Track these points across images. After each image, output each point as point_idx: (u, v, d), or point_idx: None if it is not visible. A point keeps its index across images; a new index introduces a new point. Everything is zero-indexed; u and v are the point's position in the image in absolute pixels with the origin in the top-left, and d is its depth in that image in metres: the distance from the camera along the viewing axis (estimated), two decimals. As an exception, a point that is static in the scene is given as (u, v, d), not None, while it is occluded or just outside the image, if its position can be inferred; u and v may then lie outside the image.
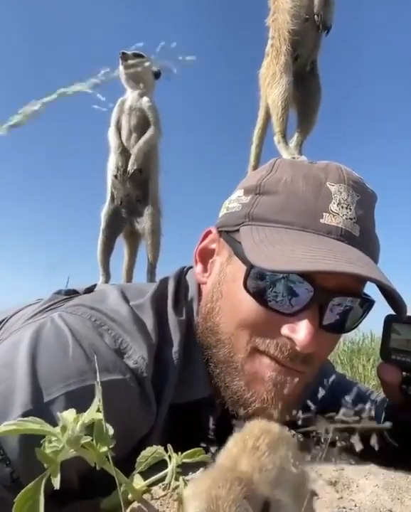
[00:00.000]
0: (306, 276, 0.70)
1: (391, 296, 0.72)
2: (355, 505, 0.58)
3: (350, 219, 0.74)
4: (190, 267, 0.91)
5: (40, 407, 0.58)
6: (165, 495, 0.54)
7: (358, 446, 0.43)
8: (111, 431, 0.47)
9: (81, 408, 0.48)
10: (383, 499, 0.60)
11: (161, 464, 0.53)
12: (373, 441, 0.44)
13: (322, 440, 0.47)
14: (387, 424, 0.48)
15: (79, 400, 0.58)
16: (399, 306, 0.73)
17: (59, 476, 0.43)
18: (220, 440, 0.50)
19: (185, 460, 0.53)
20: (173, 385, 0.74)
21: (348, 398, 0.54)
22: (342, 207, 0.74)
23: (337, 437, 0.47)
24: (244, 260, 0.74)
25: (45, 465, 0.44)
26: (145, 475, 0.53)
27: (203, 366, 0.78)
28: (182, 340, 0.77)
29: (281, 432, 0.46)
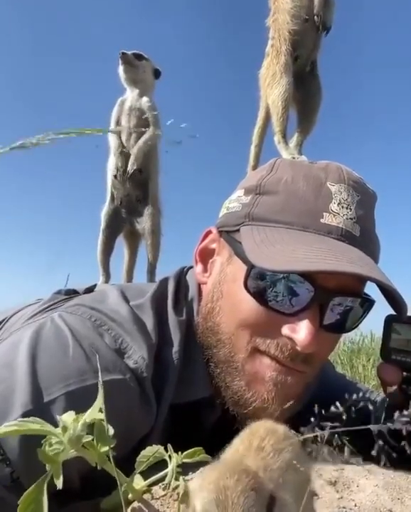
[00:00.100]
0: (307, 276, 0.70)
1: (391, 296, 0.72)
2: (355, 505, 0.58)
3: (351, 219, 0.74)
4: (190, 267, 0.91)
5: (40, 407, 0.58)
6: (165, 495, 0.53)
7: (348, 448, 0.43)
8: (111, 431, 0.47)
9: (81, 408, 0.48)
10: (383, 499, 0.60)
11: (161, 464, 0.53)
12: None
13: (321, 440, 0.47)
14: (377, 427, 0.48)
15: (79, 400, 0.58)
16: (399, 306, 0.73)
17: (62, 476, 0.43)
18: (220, 440, 0.50)
19: (185, 460, 0.53)
20: (173, 385, 0.74)
21: (348, 398, 0.54)
22: (342, 207, 0.74)
23: (337, 438, 0.47)
24: (244, 260, 0.74)
25: (47, 466, 0.44)
26: (145, 475, 0.53)
27: (203, 366, 0.78)
28: (182, 340, 0.77)
29: (286, 432, 0.46)
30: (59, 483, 0.43)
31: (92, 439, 0.46)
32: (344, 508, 0.57)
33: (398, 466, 0.69)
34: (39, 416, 0.48)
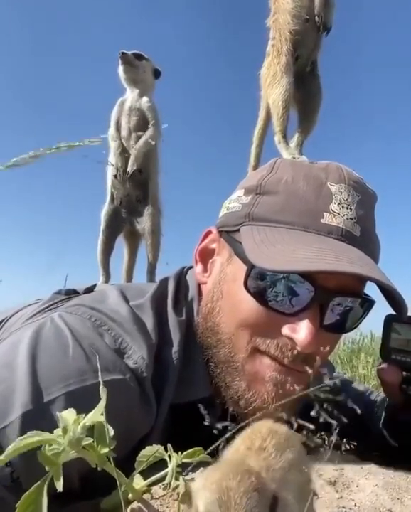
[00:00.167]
0: (307, 276, 0.70)
1: (391, 296, 0.72)
2: (355, 505, 0.58)
3: (351, 219, 0.74)
4: (190, 267, 0.91)
5: (40, 407, 0.58)
6: (165, 495, 0.53)
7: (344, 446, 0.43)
8: (111, 432, 0.47)
9: (81, 408, 0.48)
10: (383, 499, 0.60)
11: (161, 464, 0.53)
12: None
13: (322, 440, 0.47)
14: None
15: (79, 400, 0.58)
16: (399, 306, 0.73)
17: (62, 478, 0.43)
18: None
19: (185, 460, 0.53)
20: (173, 385, 0.74)
21: (348, 398, 0.54)
22: (343, 207, 0.74)
23: (336, 438, 0.47)
24: (244, 260, 0.74)
25: (47, 467, 0.44)
26: (145, 475, 0.53)
27: (203, 366, 0.78)
28: (182, 340, 0.77)
29: (288, 433, 0.46)
30: (59, 485, 0.42)
31: (93, 441, 0.46)
32: (344, 508, 0.57)
33: (398, 466, 0.69)
34: (39, 416, 0.48)
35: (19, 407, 0.58)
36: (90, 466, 0.47)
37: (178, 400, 0.74)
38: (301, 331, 0.69)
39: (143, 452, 0.53)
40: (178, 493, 0.50)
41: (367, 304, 0.78)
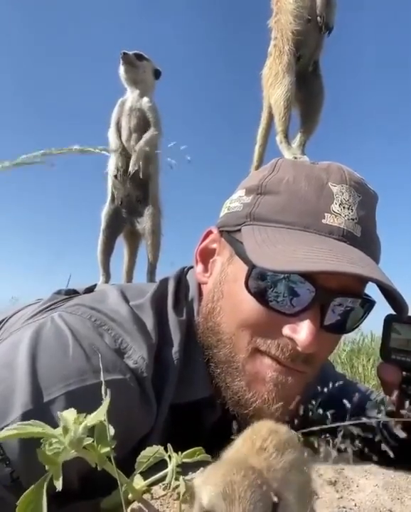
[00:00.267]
0: (308, 276, 0.70)
1: (392, 296, 0.72)
2: (355, 505, 0.58)
3: (352, 219, 0.74)
4: (191, 267, 0.91)
5: (40, 407, 0.58)
6: (165, 495, 0.53)
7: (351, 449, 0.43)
8: (112, 432, 0.47)
9: (81, 408, 0.48)
10: (383, 499, 0.60)
11: (161, 464, 0.53)
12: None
13: (322, 441, 0.47)
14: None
15: (79, 400, 0.58)
16: (399, 306, 0.73)
17: (61, 478, 0.43)
18: (220, 440, 0.50)
19: (185, 460, 0.53)
20: (173, 385, 0.74)
21: (348, 398, 0.54)
22: (344, 207, 0.74)
23: (336, 438, 0.47)
24: (245, 260, 0.74)
25: (46, 467, 0.44)
26: (145, 475, 0.53)
27: (204, 366, 0.78)
28: (182, 340, 0.77)
29: (288, 433, 0.46)
30: (59, 485, 0.42)
31: (93, 441, 0.46)
32: (344, 507, 0.57)
33: (398, 466, 0.69)
34: (39, 416, 0.48)
35: (19, 407, 0.58)
36: (90, 465, 0.47)
37: (179, 400, 0.74)
38: (301, 332, 0.69)
39: (143, 453, 0.53)
40: (178, 493, 0.50)
41: (368, 304, 0.78)
